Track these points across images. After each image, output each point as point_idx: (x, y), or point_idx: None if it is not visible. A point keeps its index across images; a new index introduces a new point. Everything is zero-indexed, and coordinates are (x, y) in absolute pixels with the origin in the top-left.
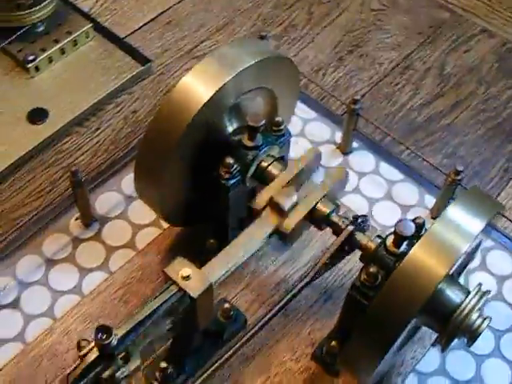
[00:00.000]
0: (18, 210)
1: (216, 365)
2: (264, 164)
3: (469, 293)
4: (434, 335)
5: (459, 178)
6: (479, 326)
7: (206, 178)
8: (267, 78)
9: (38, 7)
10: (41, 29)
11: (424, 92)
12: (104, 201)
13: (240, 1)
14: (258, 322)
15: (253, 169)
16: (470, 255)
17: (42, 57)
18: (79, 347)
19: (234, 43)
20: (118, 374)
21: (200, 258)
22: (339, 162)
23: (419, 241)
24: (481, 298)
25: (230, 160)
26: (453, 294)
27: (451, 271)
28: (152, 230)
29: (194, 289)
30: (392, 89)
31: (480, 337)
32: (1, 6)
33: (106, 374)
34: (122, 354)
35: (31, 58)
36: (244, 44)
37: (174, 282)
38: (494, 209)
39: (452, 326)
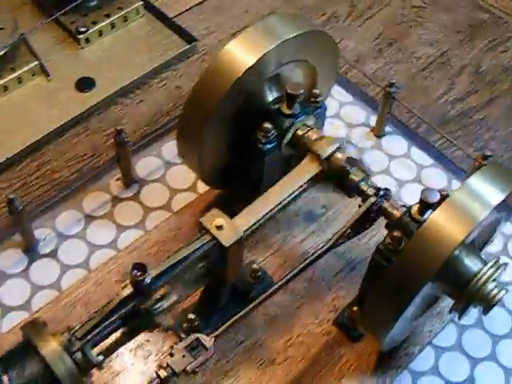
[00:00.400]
0: (61, 171)
1: (236, 317)
2: (300, 132)
3: (486, 263)
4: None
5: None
6: (495, 295)
7: (243, 141)
8: (308, 52)
9: None
10: (93, 3)
11: (459, 87)
12: (145, 164)
13: None
14: (279, 280)
15: (289, 136)
16: (491, 229)
17: (92, 29)
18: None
19: (278, 15)
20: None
21: None
22: (372, 143)
23: (439, 207)
24: (498, 268)
25: (268, 125)
26: (471, 263)
27: (469, 239)
28: (188, 194)
29: (226, 238)
30: (428, 82)
31: (497, 313)
32: None
33: (143, 307)
34: (160, 291)
35: (83, 29)
36: (288, 17)
37: (208, 231)
38: None
39: (468, 293)
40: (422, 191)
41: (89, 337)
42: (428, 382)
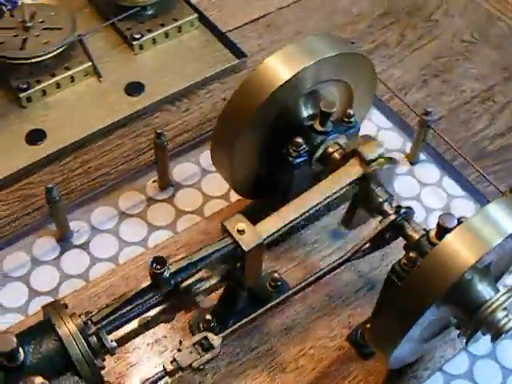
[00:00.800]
0: (102, 169)
1: (246, 319)
2: (330, 150)
3: (499, 291)
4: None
5: None
6: (505, 324)
7: (275, 154)
8: (346, 73)
9: None
10: (150, 12)
11: (500, 123)
12: (182, 169)
13: (339, 16)
14: (293, 287)
15: (319, 152)
16: (509, 259)
17: (147, 37)
18: None
19: (320, 35)
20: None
21: None
22: (405, 169)
23: (453, 230)
24: (510, 297)
25: (299, 140)
26: (483, 289)
27: (482, 264)
28: (221, 202)
29: (246, 243)
30: (469, 116)
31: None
32: None
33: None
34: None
35: (137, 36)
36: (329, 37)
37: (230, 235)
38: None
39: (477, 320)
40: (440, 216)
41: (104, 322)
42: None
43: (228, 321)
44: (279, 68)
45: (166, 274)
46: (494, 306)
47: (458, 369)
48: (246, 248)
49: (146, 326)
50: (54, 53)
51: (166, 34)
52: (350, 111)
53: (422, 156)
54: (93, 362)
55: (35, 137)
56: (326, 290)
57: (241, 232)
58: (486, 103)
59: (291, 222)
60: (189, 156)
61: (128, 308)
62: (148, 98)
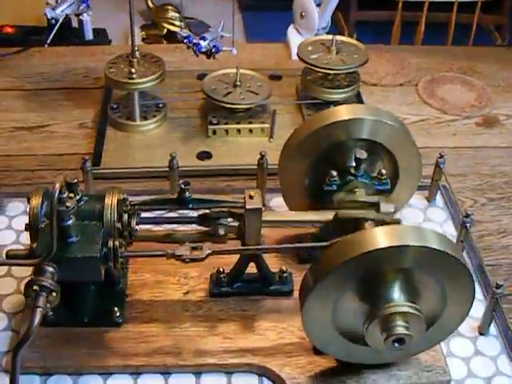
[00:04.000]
0: None
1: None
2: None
3: (413, 302)
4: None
5: None
6: (395, 330)
7: (318, 181)
8: (395, 146)
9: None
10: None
11: None
12: None
13: None
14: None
15: (346, 188)
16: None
17: (221, 126)
18: None
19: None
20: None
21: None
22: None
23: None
24: (414, 311)
25: (333, 172)
26: (397, 290)
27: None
28: None
29: (250, 204)
30: None
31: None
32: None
33: (201, 212)
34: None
35: (214, 121)
36: (389, 115)
37: (244, 198)
38: None
39: (376, 313)
40: None
41: (137, 207)
42: None
43: (235, 282)
44: (338, 111)
45: (188, 194)
46: (395, 310)
47: None
48: (247, 206)
49: (167, 237)
50: (245, 106)
51: (238, 130)
52: (383, 171)
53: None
54: (116, 228)
55: (204, 155)
56: None
57: (251, 197)
58: None
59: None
60: None
61: (155, 206)
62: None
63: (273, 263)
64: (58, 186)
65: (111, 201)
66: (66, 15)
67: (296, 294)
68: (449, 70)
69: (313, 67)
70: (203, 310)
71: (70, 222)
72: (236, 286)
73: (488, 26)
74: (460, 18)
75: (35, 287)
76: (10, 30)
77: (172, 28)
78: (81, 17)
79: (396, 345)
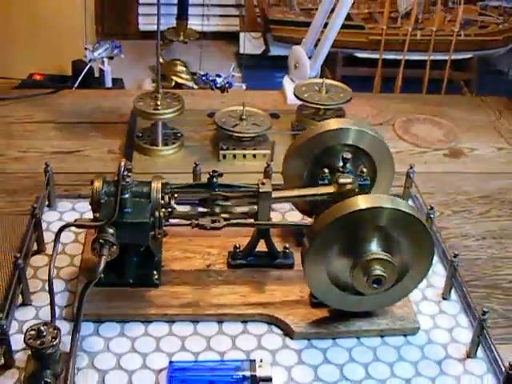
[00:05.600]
0: None
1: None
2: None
3: (388, 252)
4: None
5: None
6: (374, 272)
7: (314, 177)
8: (375, 154)
9: None
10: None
11: None
12: None
13: None
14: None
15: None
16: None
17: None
18: None
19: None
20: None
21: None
22: None
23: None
24: (388, 258)
25: (326, 170)
26: (374, 244)
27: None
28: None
29: (262, 188)
30: None
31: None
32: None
33: (223, 193)
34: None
35: (224, 147)
36: (373, 134)
37: (257, 184)
38: None
39: (359, 260)
40: None
41: (176, 189)
42: None
43: (248, 257)
44: (330, 123)
45: (216, 181)
46: (375, 256)
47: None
48: (260, 189)
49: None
50: (250, 135)
51: (244, 156)
52: (364, 169)
53: None
54: (160, 205)
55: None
56: None
57: (263, 184)
58: None
59: (293, 197)
60: None
61: (192, 190)
62: None
63: (278, 242)
64: (123, 164)
65: (156, 184)
66: (90, 66)
67: (296, 267)
68: (422, 113)
69: (306, 103)
70: (223, 276)
71: (127, 195)
72: (249, 259)
73: (458, 81)
74: (433, 74)
75: (101, 241)
76: (38, 76)
77: (179, 80)
78: (102, 67)
79: (375, 285)
